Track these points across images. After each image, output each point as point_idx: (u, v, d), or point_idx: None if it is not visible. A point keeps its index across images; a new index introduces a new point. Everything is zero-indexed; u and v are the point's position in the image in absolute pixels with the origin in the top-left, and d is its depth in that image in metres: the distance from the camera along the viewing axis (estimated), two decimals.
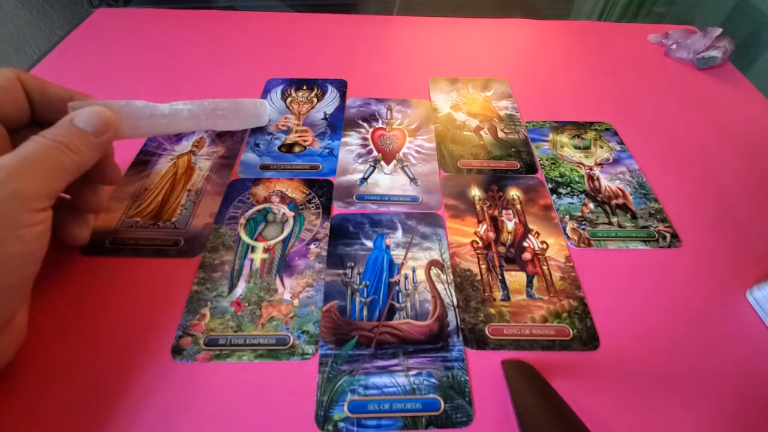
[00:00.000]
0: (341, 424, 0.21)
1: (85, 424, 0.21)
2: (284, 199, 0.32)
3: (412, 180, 0.34)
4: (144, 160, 0.34)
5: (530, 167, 0.35)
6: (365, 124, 0.38)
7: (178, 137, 0.36)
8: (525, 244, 0.30)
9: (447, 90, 0.43)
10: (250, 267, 0.28)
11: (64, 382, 0.22)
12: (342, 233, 0.30)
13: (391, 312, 0.26)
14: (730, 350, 0.25)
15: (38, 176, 0.19)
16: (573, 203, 0.32)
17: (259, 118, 0.25)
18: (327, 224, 0.30)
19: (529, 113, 0.40)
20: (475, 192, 0.33)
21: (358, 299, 0.26)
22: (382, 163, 0.35)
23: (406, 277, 0.27)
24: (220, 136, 0.36)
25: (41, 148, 0.20)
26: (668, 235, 0.31)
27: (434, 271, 0.28)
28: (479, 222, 0.31)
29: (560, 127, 0.39)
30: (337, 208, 0.31)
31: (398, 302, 0.26)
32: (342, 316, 0.25)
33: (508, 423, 0.22)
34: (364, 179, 0.33)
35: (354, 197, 0.32)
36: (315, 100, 0.40)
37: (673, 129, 0.39)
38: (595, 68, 0.46)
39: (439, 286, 0.27)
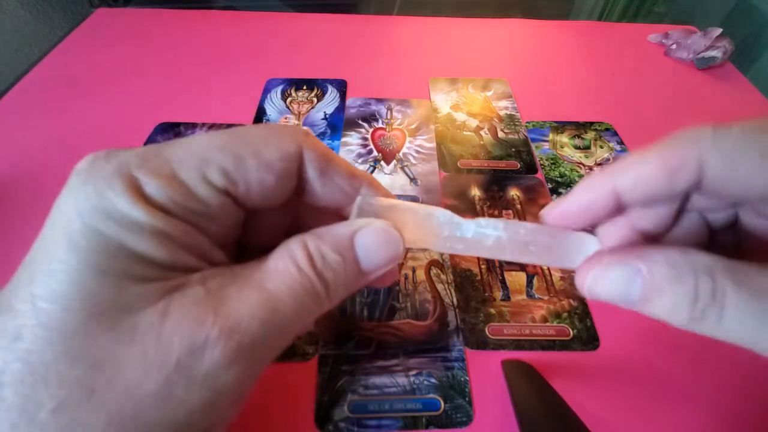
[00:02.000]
0: (341, 424, 0.21)
1: None
2: None
3: (412, 180, 0.34)
4: None
5: (530, 167, 0.35)
6: (365, 124, 0.38)
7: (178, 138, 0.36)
8: None
9: (447, 90, 0.43)
10: None
11: None
12: None
13: (391, 312, 0.26)
14: (730, 350, 0.25)
15: (280, 344, 0.13)
16: None
17: (578, 262, 0.16)
18: None
19: (529, 113, 0.40)
20: (475, 192, 0.33)
21: (358, 299, 0.26)
22: (382, 163, 0.35)
23: (406, 277, 0.27)
24: None
25: (295, 294, 0.13)
26: None
27: (434, 271, 0.28)
28: None
29: (560, 127, 0.39)
30: None
31: (398, 302, 0.26)
32: (342, 316, 0.25)
33: (508, 423, 0.22)
34: None
35: None
36: (315, 100, 0.40)
37: (673, 129, 0.39)
38: (595, 68, 0.46)
39: (439, 286, 0.27)
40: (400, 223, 0.15)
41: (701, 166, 0.12)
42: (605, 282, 0.12)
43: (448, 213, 0.16)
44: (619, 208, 0.14)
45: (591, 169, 0.35)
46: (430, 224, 0.16)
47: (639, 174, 0.13)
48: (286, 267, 0.13)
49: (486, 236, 0.16)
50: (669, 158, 0.12)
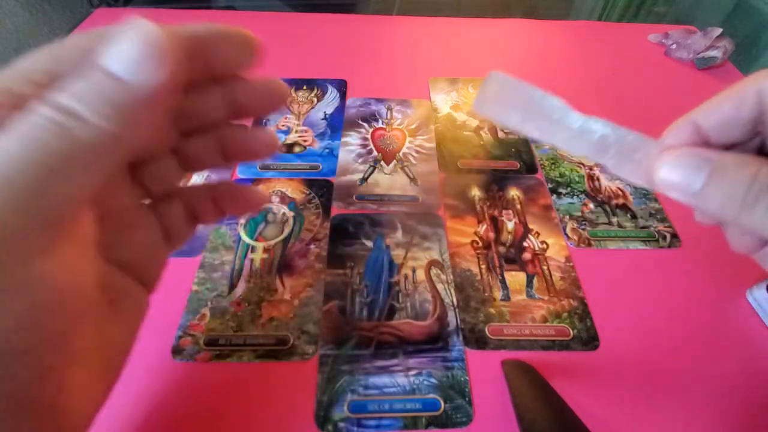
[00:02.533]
0: (341, 424, 0.21)
1: None
2: (284, 199, 0.32)
3: (412, 180, 0.34)
4: None
5: (530, 167, 0.35)
6: (365, 124, 0.38)
7: None
8: (525, 244, 0.30)
9: (447, 90, 0.43)
10: (250, 267, 0.28)
11: None
12: (342, 233, 0.30)
13: (391, 312, 0.26)
14: (730, 350, 0.25)
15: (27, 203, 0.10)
16: (573, 203, 0.32)
17: None
18: (327, 224, 0.30)
19: None
20: (475, 192, 0.33)
21: (358, 299, 0.26)
22: (382, 163, 0.35)
23: (406, 277, 0.27)
24: None
25: (25, 138, 0.10)
26: (668, 235, 0.31)
27: (434, 271, 0.28)
28: (479, 222, 0.31)
29: None
30: (337, 208, 0.31)
31: (398, 302, 0.26)
32: (342, 316, 0.25)
33: (508, 423, 0.22)
34: (364, 179, 0.33)
35: (354, 197, 0.32)
36: (315, 100, 0.40)
37: None
38: (595, 68, 0.46)
39: (439, 286, 0.27)
40: (517, 101, 0.16)
41: (761, 94, 0.14)
42: (677, 166, 0.14)
43: (560, 100, 0.16)
44: (704, 141, 0.15)
45: (591, 169, 0.35)
46: (543, 106, 0.16)
47: (712, 105, 0.15)
48: (14, 118, 0.11)
49: (592, 132, 0.16)
50: (735, 91, 0.14)
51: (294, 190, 0.32)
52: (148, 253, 0.16)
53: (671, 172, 0.14)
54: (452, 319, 0.26)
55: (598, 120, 0.16)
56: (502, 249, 0.29)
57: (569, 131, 0.16)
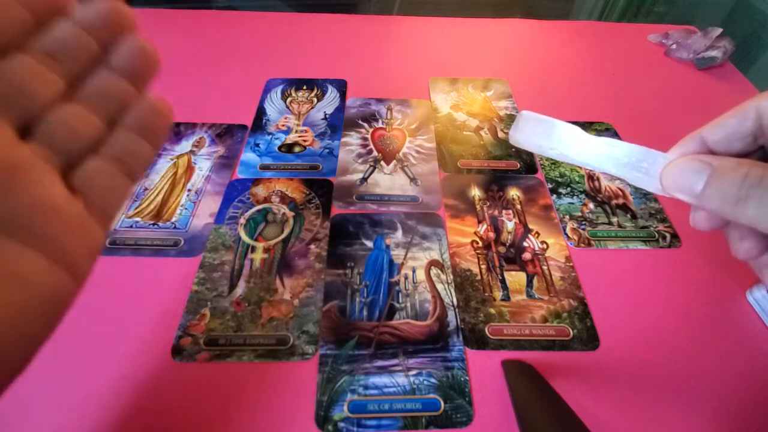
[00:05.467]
0: (341, 424, 0.21)
1: (84, 423, 0.21)
2: (284, 199, 0.32)
3: (412, 180, 0.34)
4: None
5: (530, 167, 0.35)
6: (365, 124, 0.38)
7: (178, 137, 0.36)
8: (525, 244, 0.30)
9: (447, 90, 0.43)
10: (250, 267, 0.28)
11: (64, 381, 0.22)
12: (342, 233, 0.30)
13: (391, 312, 0.26)
14: (730, 350, 0.25)
15: None
16: (573, 203, 0.32)
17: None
18: (327, 224, 0.30)
19: None
20: (475, 192, 0.33)
21: (358, 299, 0.26)
22: (382, 163, 0.35)
23: (406, 277, 0.27)
24: (219, 136, 0.36)
25: None
26: (668, 235, 0.31)
27: (434, 271, 0.28)
28: (479, 222, 0.31)
29: None
30: (337, 208, 0.31)
31: (398, 302, 0.26)
32: (342, 316, 0.25)
33: (508, 423, 0.22)
34: (364, 179, 0.33)
35: (354, 197, 0.32)
36: (315, 100, 0.40)
37: (673, 129, 0.39)
38: (595, 68, 0.46)
39: (439, 286, 0.27)
40: (542, 132, 0.19)
41: (759, 110, 0.15)
42: (681, 171, 0.15)
43: (575, 126, 0.19)
44: (710, 153, 0.16)
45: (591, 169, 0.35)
46: (562, 132, 0.19)
47: (717, 122, 0.16)
48: None
49: (604, 148, 0.18)
50: (738, 108, 0.16)
51: (294, 190, 0.32)
52: (52, 221, 0.13)
53: (677, 176, 0.16)
54: (452, 319, 0.26)
55: (608, 138, 0.18)
56: (502, 249, 0.29)
57: (585, 150, 0.19)
